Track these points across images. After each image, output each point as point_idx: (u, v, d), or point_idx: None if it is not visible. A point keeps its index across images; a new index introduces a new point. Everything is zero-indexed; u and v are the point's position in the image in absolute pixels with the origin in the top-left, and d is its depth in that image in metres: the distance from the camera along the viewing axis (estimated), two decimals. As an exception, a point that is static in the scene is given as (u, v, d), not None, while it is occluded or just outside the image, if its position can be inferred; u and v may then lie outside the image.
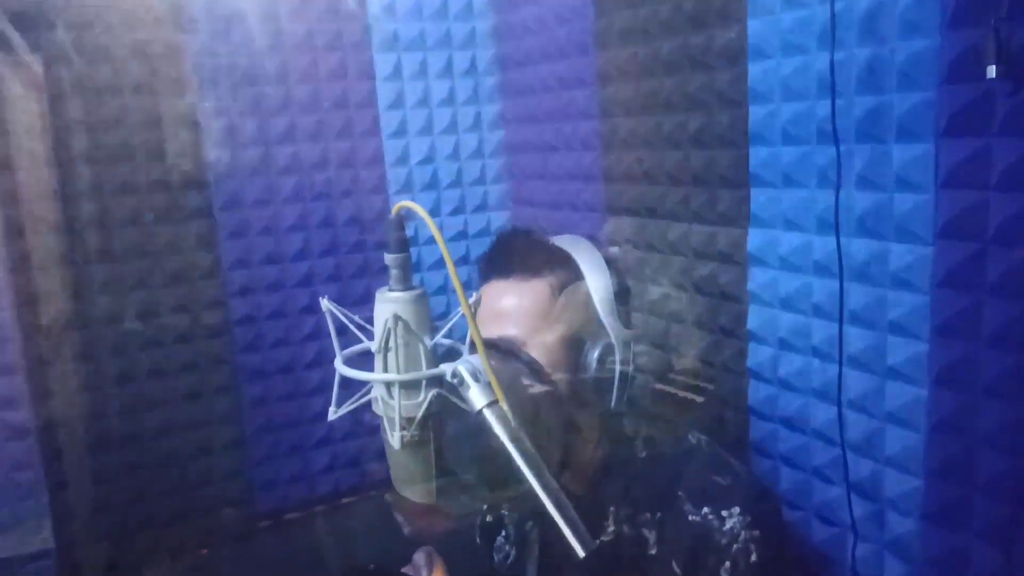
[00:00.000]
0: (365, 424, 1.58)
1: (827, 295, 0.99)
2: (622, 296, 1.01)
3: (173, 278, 1.47)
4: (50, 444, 1.42)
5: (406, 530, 1.53)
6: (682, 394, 1.22)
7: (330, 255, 1.58)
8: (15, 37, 1.33)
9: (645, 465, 0.98)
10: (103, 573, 1.50)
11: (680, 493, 0.92)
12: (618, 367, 0.95)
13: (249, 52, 1.48)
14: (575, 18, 1.39)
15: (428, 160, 1.64)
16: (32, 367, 1.41)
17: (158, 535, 1.51)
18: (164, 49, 1.43)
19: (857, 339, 0.96)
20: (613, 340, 0.96)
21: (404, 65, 1.60)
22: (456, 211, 1.68)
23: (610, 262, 1.02)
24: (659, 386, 1.23)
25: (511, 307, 0.98)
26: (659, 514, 0.93)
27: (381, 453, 0.80)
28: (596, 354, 0.95)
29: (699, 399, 1.21)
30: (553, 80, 1.48)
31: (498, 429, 0.68)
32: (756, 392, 1.11)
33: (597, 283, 0.98)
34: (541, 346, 0.95)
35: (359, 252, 1.60)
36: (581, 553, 0.63)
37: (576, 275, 0.99)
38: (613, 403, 0.96)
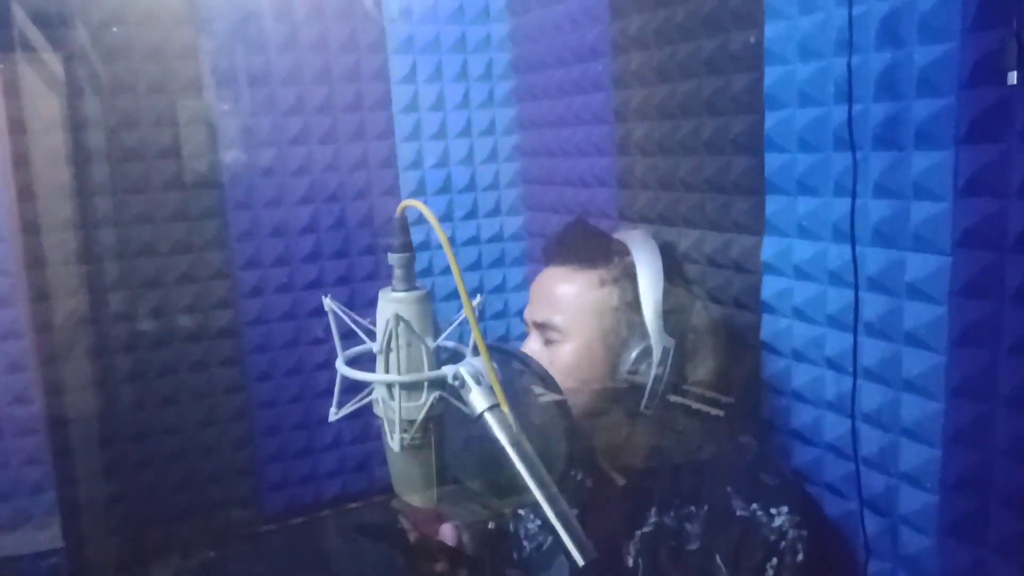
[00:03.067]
0: (373, 428, 1.58)
1: (842, 305, 0.97)
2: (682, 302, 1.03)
3: (184, 278, 1.48)
4: (60, 441, 1.43)
5: (412, 536, 1.52)
6: (696, 406, 1.21)
7: (341, 257, 1.58)
8: (35, 35, 1.34)
9: (693, 460, 0.99)
10: (112, 571, 1.50)
11: (729, 489, 0.92)
12: (653, 371, 0.96)
13: (265, 53, 1.49)
14: (590, 23, 1.38)
15: (442, 164, 1.64)
16: (44, 364, 1.42)
17: (165, 535, 1.51)
18: (180, 49, 1.43)
19: (872, 350, 0.93)
20: (653, 344, 0.96)
21: (419, 68, 1.60)
22: (469, 216, 1.67)
23: (676, 267, 1.05)
24: (673, 397, 1.22)
25: (562, 294, 1.01)
26: (705, 507, 0.93)
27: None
28: (633, 355, 0.97)
29: (713, 411, 1.19)
30: (568, 85, 1.47)
31: (499, 433, 0.67)
32: (769, 404, 1.09)
33: (648, 285, 0.98)
34: (581, 337, 0.97)
35: (370, 255, 1.59)
36: (580, 562, 0.62)
37: (631, 274, 1.00)
38: (643, 406, 0.97)
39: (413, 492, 0.76)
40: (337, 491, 1.63)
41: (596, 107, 1.40)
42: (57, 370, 1.42)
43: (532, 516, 1.16)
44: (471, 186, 1.67)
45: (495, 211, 1.69)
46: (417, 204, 0.70)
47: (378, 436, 1.68)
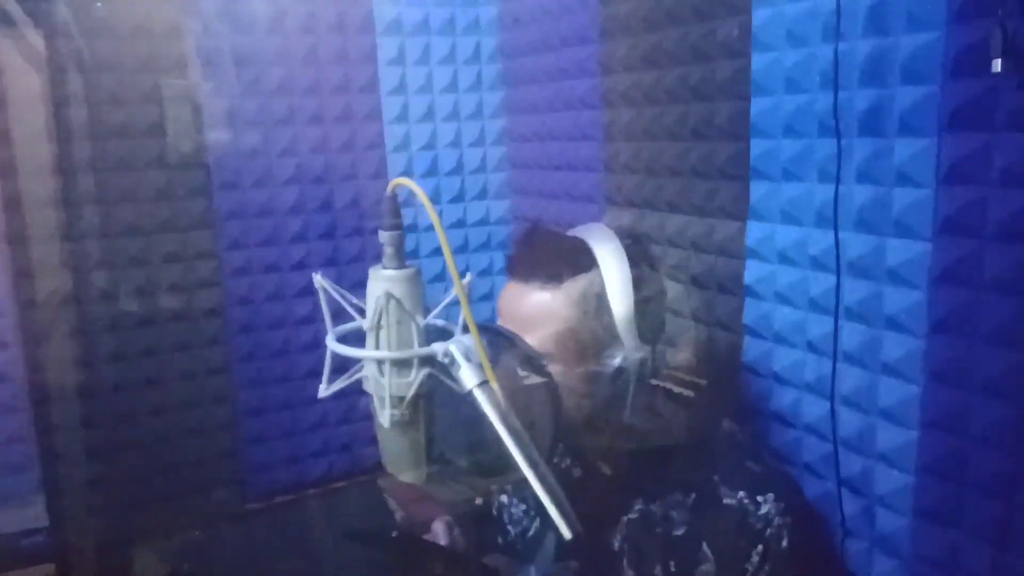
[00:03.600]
0: (358, 409, 1.58)
1: (824, 290, 0.98)
2: (656, 300, 1.00)
3: (169, 257, 1.47)
4: (44, 420, 1.42)
5: (398, 516, 1.53)
6: (676, 389, 1.22)
7: (328, 239, 1.58)
8: (16, 11, 1.32)
9: (679, 449, 0.99)
10: (95, 550, 1.50)
11: (715, 477, 0.93)
12: (632, 381, 0.95)
13: (252, 33, 1.48)
14: (579, 8, 1.39)
15: (429, 147, 1.64)
16: (27, 342, 1.41)
17: (150, 514, 1.51)
18: (167, 28, 1.42)
19: (852, 334, 0.95)
20: (628, 355, 0.95)
21: (407, 50, 1.59)
22: (455, 199, 1.67)
23: (652, 263, 1.01)
24: (654, 381, 1.23)
25: (529, 313, 0.96)
26: (692, 495, 0.94)
27: (374, 438, 0.79)
28: (609, 368, 0.95)
29: (693, 395, 1.21)
30: (556, 70, 1.47)
31: (488, 409, 0.68)
32: (749, 386, 1.11)
33: (617, 295, 0.95)
34: (556, 352, 0.94)
35: (357, 236, 1.59)
36: (568, 535, 0.63)
37: (599, 283, 0.96)
38: (626, 414, 0.96)
39: (402, 468, 0.77)
40: (323, 471, 1.64)
41: (583, 92, 1.40)
42: (41, 348, 1.42)
43: (516, 501, 1.16)
44: (458, 169, 1.67)
45: (482, 194, 1.69)
46: (408, 182, 0.70)
47: (363, 416, 1.69)
